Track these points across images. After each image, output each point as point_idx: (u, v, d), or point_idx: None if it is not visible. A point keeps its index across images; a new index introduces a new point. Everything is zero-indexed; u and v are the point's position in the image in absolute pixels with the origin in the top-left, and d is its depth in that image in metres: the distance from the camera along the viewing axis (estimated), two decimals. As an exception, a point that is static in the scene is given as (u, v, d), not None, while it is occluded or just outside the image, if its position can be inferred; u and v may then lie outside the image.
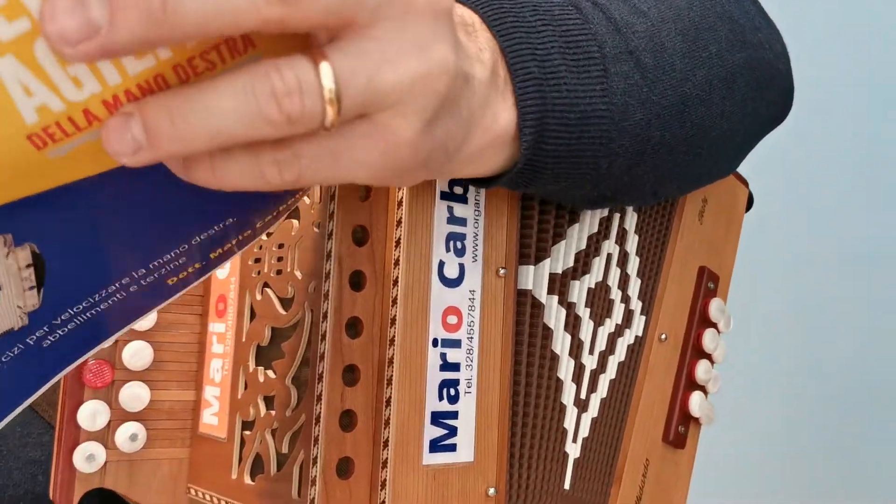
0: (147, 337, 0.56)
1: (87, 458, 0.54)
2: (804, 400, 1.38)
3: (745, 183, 0.72)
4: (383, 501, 0.47)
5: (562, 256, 0.56)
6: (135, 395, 0.55)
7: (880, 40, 1.37)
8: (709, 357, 0.65)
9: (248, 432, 0.53)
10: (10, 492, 0.58)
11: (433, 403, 0.49)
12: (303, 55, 0.29)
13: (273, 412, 0.51)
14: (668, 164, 0.50)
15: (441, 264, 0.50)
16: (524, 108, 0.42)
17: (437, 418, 0.49)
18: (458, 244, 0.51)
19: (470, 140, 0.40)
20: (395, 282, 0.48)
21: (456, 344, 0.51)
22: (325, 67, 0.29)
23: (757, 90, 0.53)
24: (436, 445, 0.49)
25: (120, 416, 0.55)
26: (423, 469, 0.49)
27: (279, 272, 0.52)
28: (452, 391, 0.50)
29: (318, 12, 0.28)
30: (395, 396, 0.48)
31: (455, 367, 0.50)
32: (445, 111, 0.34)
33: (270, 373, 0.52)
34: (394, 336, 0.48)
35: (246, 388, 0.54)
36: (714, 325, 0.66)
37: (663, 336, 0.63)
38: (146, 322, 0.56)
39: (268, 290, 0.53)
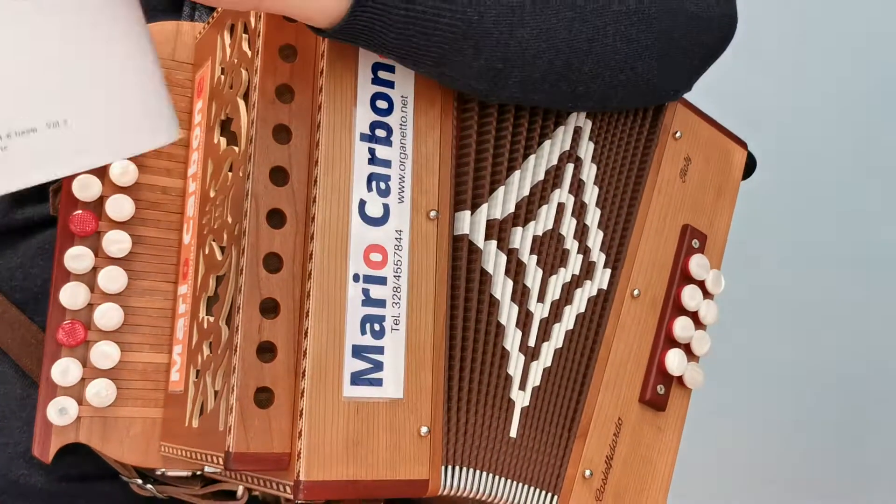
0: (119, 300, 0.60)
1: (60, 410, 0.57)
2: (806, 397, 1.33)
3: (743, 145, 0.70)
4: (301, 430, 0.48)
5: (500, 203, 0.56)
6: (104, 354, 0.58)
7: (881, 40, 1.32)
8: (692, 315, 0.63)
9: (196, 380, 0.55)
10: (11, 449, 0.62)
11: (354, 336, 0.50)
12: None
13: (212, 354, 0.53)
14: (561, 32, 0.49)
15: (362, 203, 0.51)
16: None
17: (359, 352, 0.50)
18: (382, 185, 0.52)
19: None
20: (314, 218, 0.50)
21: (380, 281, 0.51)
22: None
23: None
24: (358, 378, 0.50)
25: (92, 373, 0.59)
26: (344, 401, 0.49)
27: (219, 222, 0.55)
28: (377, 326, 0.51)
29: None
30: (313, 328, 0.49)
31: (380, 303, 0.51)
32: None
33: (210, 318, 0.54)
34: (311, 270, 0.50)
35: (196, 337, 0.56)
36: (698, 283, 0.63)
37: (636, 292, 0.61)
38: (117, 284, 0.59)
39: (212, 242, 0.56)
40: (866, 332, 1.32)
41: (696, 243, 0.64)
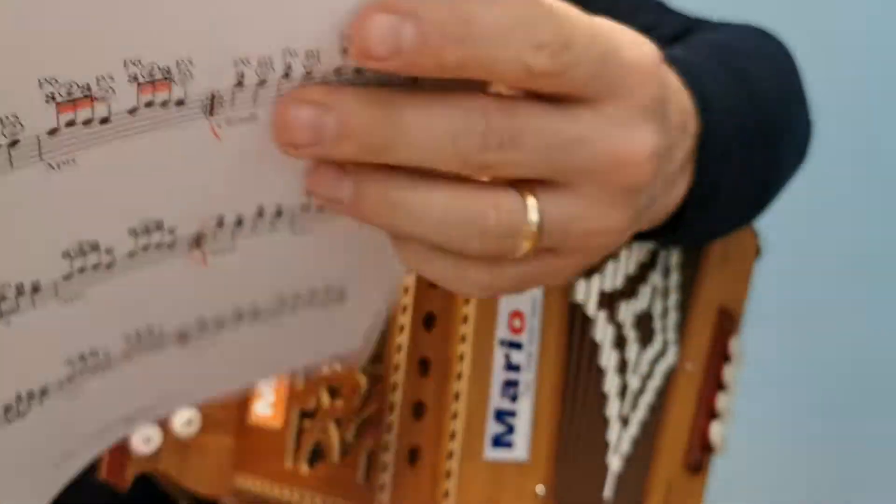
0: (208, 325, 0.57)
1: (145, 439, 0.55)
2: (806, 397, 1.37)
3: (754, 232, 0.77)
4: (447, 491, 0.49)
5: (610, 275, 0.59)
6: (194, 381, 0.56)
7: (881, 40, 1.38)
8: (726, 390, 0.69)
9: (308, 421, 0.54)
10: None
11: (497, 400, 0.52)
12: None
13: (338, 402, 0.53)
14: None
15: (510, 269, 0.53)
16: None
17: (500, 415, 0.52)
18: None
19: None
20: (470, 282, 0.51)
21: (518, 346, 0.53)
22: (531, 201, 0.30)
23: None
24: (497, 441, 0.51)
25: (177, 400, 0.56)
26: (484, 463, 0.51)
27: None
28: (513, 391, 0.53)
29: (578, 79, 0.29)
30: (465, 390, 0.50)
31: (517, 367, 0.53)
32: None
33: (336, 365, 0.54)
34: (465, 334, 0.51)
35: (306, 379, 0.55)
36: (731, 360, 0.70)
37: (689, 366, 0.66)
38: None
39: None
40: (867, 332, 1.36)
41: (729, 324, 0.70)
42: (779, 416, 1.35)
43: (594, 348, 0.58)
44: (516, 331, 0.53)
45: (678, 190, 0.42)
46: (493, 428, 0.51)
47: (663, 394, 0.64)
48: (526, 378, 0.54)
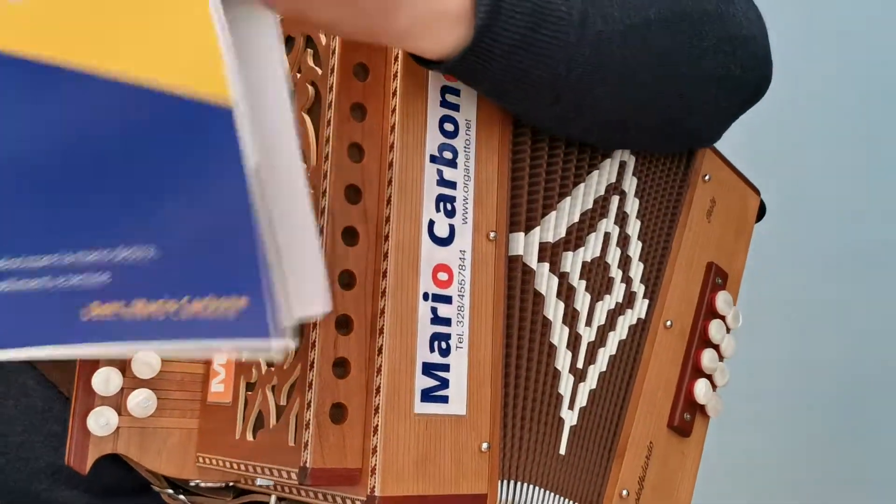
0: (159, 309, 0.59)
1: (101, 421, 0.56)
2: (806, 397, 1.36)
3: (757, 192, 0.74)
4: (375, 447, 0.49)
5: (552, 227, 0.58)
6: (146, 363, 0.58)
7: (881, 40, 1.37)
8: (716, 347, 0.66)
9: (250, 393, 0.55)
10: (33, 464, 0.60)
11: (424, 354, 0.51)
12: None
13: (273, 369, 0.53)
14: (631, 91, 0.52)
15: (431, 223, 0.52)
16: None
17: (428, 369, 0.51)
18: (448, 206, 0.53)
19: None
20: (387, 237, 0.51)
21: (447, 300, 0.53)
22: None
23: (728, 44, 0.55)
24: (427, 395, 0.51)
25: (132, 383, 0.58)
26: (414, 417, 0.50)
27: (280, 237, 0.55)
28: (444, 344, 0.52)
29: None
30: (387, 345, 0.50)
31: (446, 321, 0.52)
32: None
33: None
34: (385, 288, 0.50)
35: (249, 351, 0.56)
36: (721, 318, 0.67)
37: (669, 323, 0.64)
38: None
39: (270, 255, 0.56)
40: (867, 332, 1.34)
41: (719, 280, 0.68)
42: (778, 416, 1.36)
43: (538, 300, 0.57)
44: (442, 284, 0.53)
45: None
46: (422, 382, 0.51)
47: (634, 349, 0.62)
48: (458, 331, 0.53)
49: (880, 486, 1.32)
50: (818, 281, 1.36)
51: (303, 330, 0.51)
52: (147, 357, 0.58)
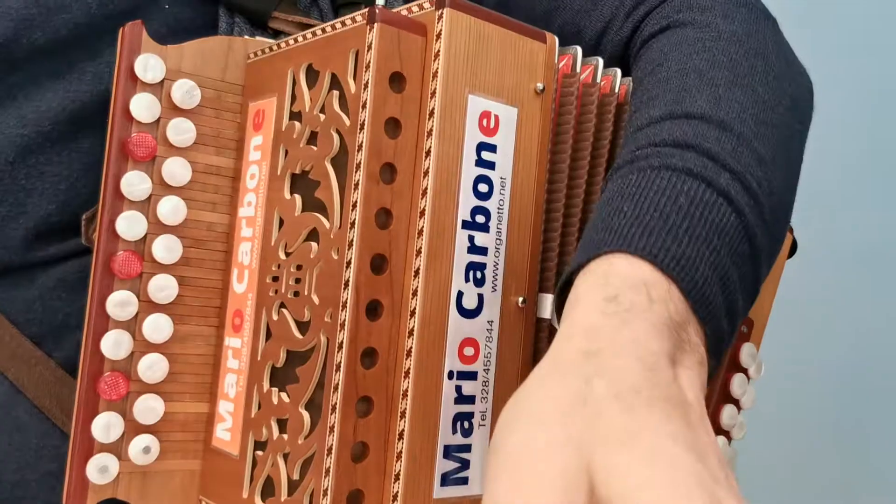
0: (163, 349, 0.56)
1: (101, 469, 0.54)
2: (806, 397, 1.37)
3: (790, 229, 0.70)
4: (392, 534, 0.47)
5: (584, 285, 0.54)
6: (149, 408, 0.55)
7: (881, 40, 1.34)
8: (735, 402, 0.64)
9: (260, 452, 0.53)
10: (28, 503, 0.58)
11: (446, 437, 0.49)
12: None
13: (286, 436, 0.51)
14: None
15: (460, 295, 0.49)
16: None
17: (449, 452, 0.49)
18: (479, 274, 0.50)
19: None
20: (413, 313, 0.48)
21: (472, 376, 0.50)
22: None
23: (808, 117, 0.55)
24: (447, 479, 0.49)
25: (134, 428, 0.55)
26: (434, 502, 0.48)
27: (296, 294, 0.51)
28: (466, 424, 0.50)
29: None
30: (408, 429, 0.47)
31: (470, 399, 0.50)
32: None
33: (284, 396, 0.51)
34: (409, 368, 0.48)
35: (260, 407, 0.53)
36: (744, 371, 0.64)
37: None
38: (163, 334, 0.55)
39: (284, 310, 0.52)
40: (867, 333, 1.35)
41: (744, 329, 0.65)
42: (778, 416, 1.37)
43: (565, 366, 0.54)
44: (468, 360, 0.50)
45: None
46: (443, 465, 0.49)
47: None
48: (481, 408, 0.50)
49: (881, 487, 1.34)
50: (819, 281, 1.35)
51: (319, 412, 0.48)
52: (152, 402, 0.55)
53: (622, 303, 0.38)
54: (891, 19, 1.34)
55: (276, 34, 0.63)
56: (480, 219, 0.50)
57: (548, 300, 0.53)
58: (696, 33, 0.55)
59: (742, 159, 0.46)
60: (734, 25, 0.55)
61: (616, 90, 0.57)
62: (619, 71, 0.58)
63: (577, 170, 0.55)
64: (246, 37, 0.61)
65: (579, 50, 0.56)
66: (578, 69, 0.56)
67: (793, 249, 0.70)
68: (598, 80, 0.57)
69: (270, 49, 0.57)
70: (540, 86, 0.52)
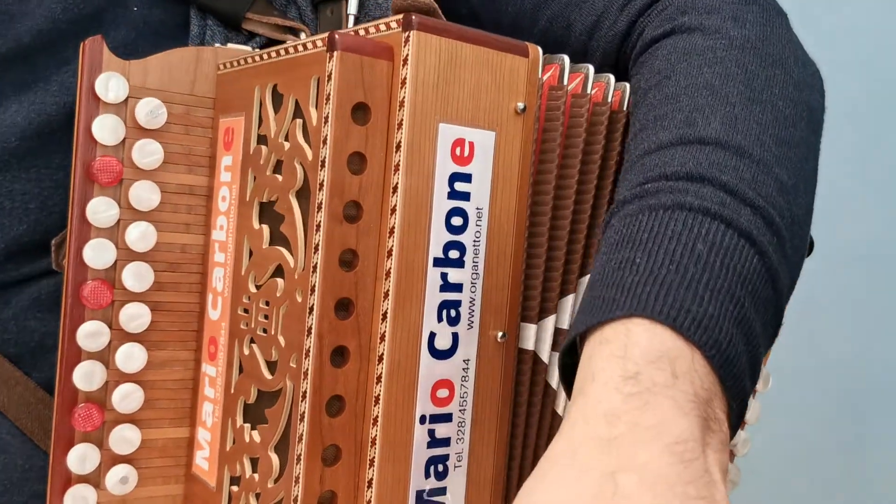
0: (138, 377, 0.54)
1: (78, 500, 0.53)
2: (806, 397, 1.36)
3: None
4: (362, 584, 0.46)
5: (569, 311, 0.52)
6: (125, 439, 0.54)
7: (881, 40, 1.28)
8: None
9: (235, 488, 0.52)
10: None
11: (418, 482, 0.47)
12: None
13: (257, 477, 0.49)
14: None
15: (432, 336, 0.47)
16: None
17: (421, 497, 0.47)
18: (453, 312, 0.48)
19: None
20: (381, 358, 0.46)
21: (446, 418, 0.48)
22: None
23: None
24: (420, 525, 0.47)
25: (111, 458, 0.54)
26: None
27: (265, 330, 0.50)
28: (440, 467, 0.48)
29: None
30: (377, 477, 0.46)
31: (444, 442, 0.48)
32: None
33: (256, 435, 0.50)
34: (377, 416, 0.46)
35: (234, 443, 0.52)
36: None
37: None
38: (136, 363, 0.54)
39: (254, 346, 0.50)
40: (867, 333, 1.33)
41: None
42: (778, 415, 1.35)
43: (549, 393, 0.52)
44: (442, 402, 0.48)
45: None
46: (415, 512, 0.47)
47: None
48: (457, 450, 0.49)
49: (881, 487, 1.33)
50: (819, 281, 1.33)
51: (287, 457, 0.47)
52: (127, 433, 0.54)
53: (643, 381, 0.35)
54: (891, 19, 1.28)
55: (251, 36, 0.60)
56: (454, 254, 0.47)
57: (531, 330, 0.51)
58: (705, 41, 0.50)
59: (763, 189, 0.42)
60: (746, 30, 0.50)
61: (609, 99, 0.53)
62: (612, 77, 0.54)
63: (564, 189, 0.52)
64: (217, 45, 0.58)
65: (566, 59, 0.52)
66: (566, 80, 0.52)
67: (810, 248, 0.66)
68: (590, 90, 0.53)
69: (240, 63, 0.54)
70: (521, 105, 0.49)
